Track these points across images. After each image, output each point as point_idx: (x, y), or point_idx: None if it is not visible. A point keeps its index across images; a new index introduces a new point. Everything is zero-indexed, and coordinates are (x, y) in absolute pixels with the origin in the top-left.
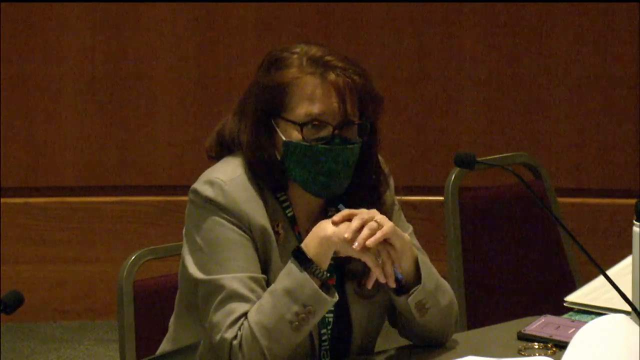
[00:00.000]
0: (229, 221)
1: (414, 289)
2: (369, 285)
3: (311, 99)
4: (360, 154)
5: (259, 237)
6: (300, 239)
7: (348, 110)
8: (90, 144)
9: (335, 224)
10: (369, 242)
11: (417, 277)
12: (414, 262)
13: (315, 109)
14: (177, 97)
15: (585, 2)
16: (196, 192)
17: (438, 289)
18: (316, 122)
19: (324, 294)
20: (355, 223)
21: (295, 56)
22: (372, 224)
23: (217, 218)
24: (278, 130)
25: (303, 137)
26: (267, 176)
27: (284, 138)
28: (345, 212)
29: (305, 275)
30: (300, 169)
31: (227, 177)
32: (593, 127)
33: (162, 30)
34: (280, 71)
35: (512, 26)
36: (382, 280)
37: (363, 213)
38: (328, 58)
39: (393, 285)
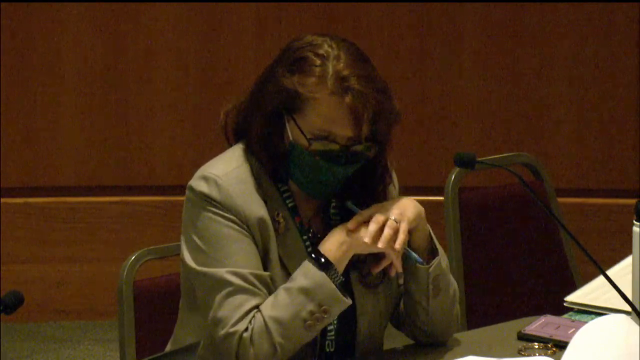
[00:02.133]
0: (225, 217)
1: (434, 260)
2: (375, 271)
3: (325, 117)
4: None
5: (256, 230)
6: (302, 229)
7: (360, 133)
8: (91, 144)
9: (351, 230)
10: (397, 246)
11: (432, 253)
12: (427, 238)
13: (328, 128)
14: (177, 97)
15: (585, 2)
16: (191, 189)
17: (446, 274)
18: (325, 140)
19: (341, 295)
20: (372, 227)
21: (319, 62)
22: (392, 224)
23: (212, 215)
24: (287, 126)
25: (309, 148)
26: (270, 166)
27: (291, 138)
28: (360, 217)
29: (324, 276)
30: (300, 172)
31: (222, 171)
32: (593, 127)
33: (162, 30)
34: (301, 76)
35: (512, 26)
36: (399, 270)
37: (378, 216)
38: (352, 81)
39: (392, 273)
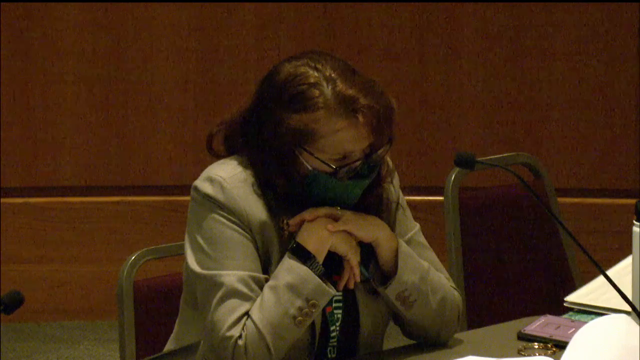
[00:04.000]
0: (228, 219)
1: (391, 280)
2: (340, 288)
3: (344, 141)
4: None
5: (258, 234)
6: None
7: (375, 144)
8: (90, 144)
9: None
10: (329, 227)
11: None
12: (393, 254)
13: (346, 149)
14: (177, 97)
15: (585, 2)
16: (196, 189)
17: (425, 283)
18: (345, 160)
19: (326, 287)
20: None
21: (318, 93)
22: (333, 211)
23: (216, 216)
24: (301, 158)
25: (334, 174)
26: (286, 191)
27: (309, 167)
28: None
29: (307, 270)
30: (325, 195)
31: (228, 174)
32: (593, 127)
33: (162, 30)
34: (308, 113)
35: (512, 26)
36: (350, 284)
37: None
38: (359, 99)
39: (351, 285)
